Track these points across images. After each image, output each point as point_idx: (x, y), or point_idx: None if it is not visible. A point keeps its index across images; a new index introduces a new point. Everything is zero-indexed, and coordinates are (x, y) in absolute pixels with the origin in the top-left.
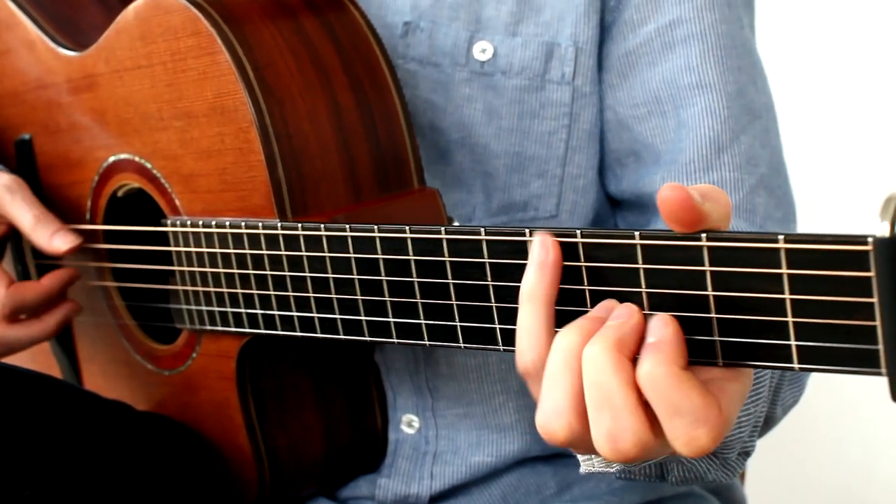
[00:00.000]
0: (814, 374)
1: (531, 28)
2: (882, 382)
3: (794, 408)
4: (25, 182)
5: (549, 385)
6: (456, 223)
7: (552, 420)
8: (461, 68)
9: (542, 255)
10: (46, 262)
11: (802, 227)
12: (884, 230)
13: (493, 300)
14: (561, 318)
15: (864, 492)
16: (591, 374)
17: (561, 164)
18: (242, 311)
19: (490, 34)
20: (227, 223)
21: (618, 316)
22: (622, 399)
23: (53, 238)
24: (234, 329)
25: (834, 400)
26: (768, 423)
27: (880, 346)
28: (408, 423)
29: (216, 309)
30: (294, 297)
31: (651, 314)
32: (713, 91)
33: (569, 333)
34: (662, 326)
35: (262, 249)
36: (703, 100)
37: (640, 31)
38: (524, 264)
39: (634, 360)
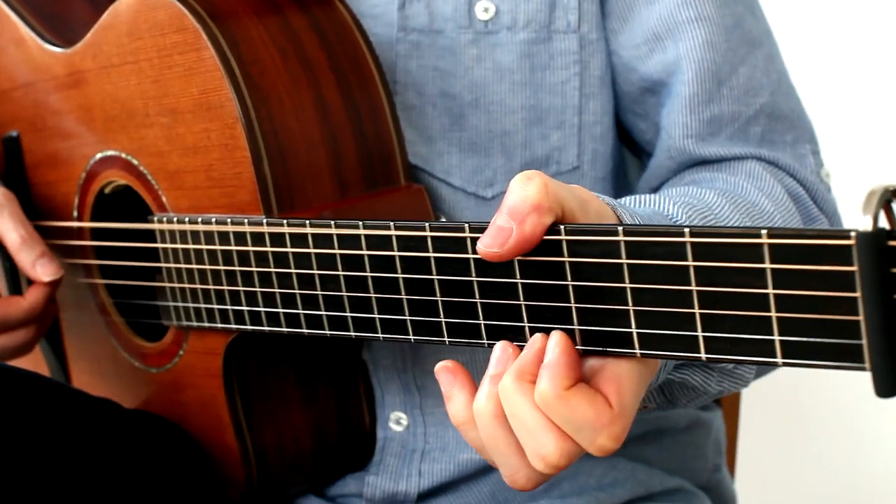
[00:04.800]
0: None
1: None
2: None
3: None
4: (15, 196)
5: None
6: (443, 219)
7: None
8: (465, 31)
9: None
10: None
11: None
12: (866, 224)
13: (477, 296)
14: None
15: (854, 488)
16: (507, 408)
17: (577, 113)
18: (228, 307)
19: None
20: (213, 220)
21: (528, 346)
22: (533, 421)
23: (36, 264)
24: (220, 325)
25: (824, 396)
26: None
27: (864, 341)
28: (396, 421)
29: (202, 306)
30: (280, 293)
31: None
32: (712, 23)
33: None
34: (552, 348)
35: (247, 246)
36: (702, 32)
37: None
38: (507, 260)
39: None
